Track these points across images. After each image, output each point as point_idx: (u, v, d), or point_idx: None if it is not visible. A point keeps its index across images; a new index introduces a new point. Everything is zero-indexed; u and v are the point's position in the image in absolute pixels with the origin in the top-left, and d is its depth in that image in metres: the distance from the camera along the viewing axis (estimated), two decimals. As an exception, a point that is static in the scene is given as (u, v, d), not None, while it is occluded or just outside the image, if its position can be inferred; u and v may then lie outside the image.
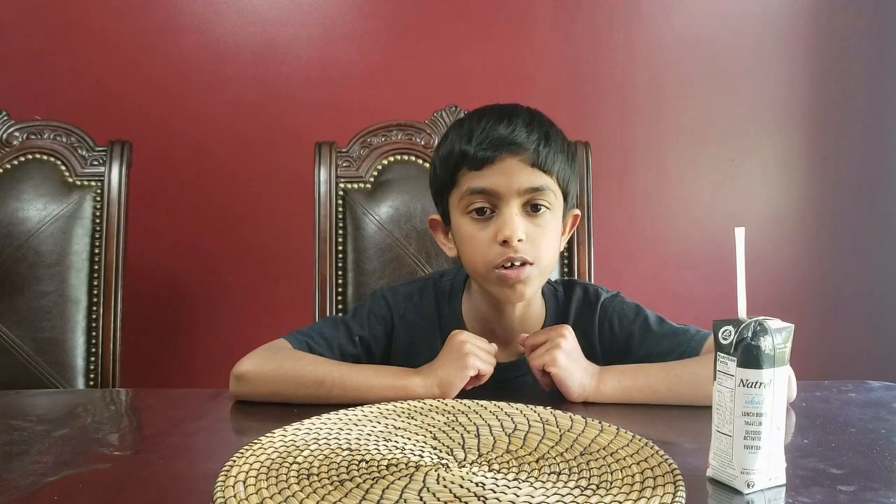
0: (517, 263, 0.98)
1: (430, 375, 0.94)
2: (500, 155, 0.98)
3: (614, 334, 1.09)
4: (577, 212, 1.11)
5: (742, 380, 0.67)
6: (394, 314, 1.12)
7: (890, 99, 2.04)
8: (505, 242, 0.97)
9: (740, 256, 0.70)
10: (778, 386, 0.67)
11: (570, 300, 1.12)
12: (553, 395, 0.98)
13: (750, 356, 0.67)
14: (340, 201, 1.43)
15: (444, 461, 0.72)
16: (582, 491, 0.65)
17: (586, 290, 1.13)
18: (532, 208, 0.99)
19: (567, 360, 0.96)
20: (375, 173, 1.44)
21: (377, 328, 1.11)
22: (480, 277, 1.03)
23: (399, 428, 0.82)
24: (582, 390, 0.96)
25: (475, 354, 0.94)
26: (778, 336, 0.67)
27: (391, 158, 1.45)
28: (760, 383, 0.66)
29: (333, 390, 0.95)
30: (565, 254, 1.43)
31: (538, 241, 0.99)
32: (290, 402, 0.95)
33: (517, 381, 1.06)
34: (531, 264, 0.99)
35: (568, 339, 0.98)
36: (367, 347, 1.10)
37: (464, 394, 0.94)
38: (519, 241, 0.97)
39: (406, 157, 1.44)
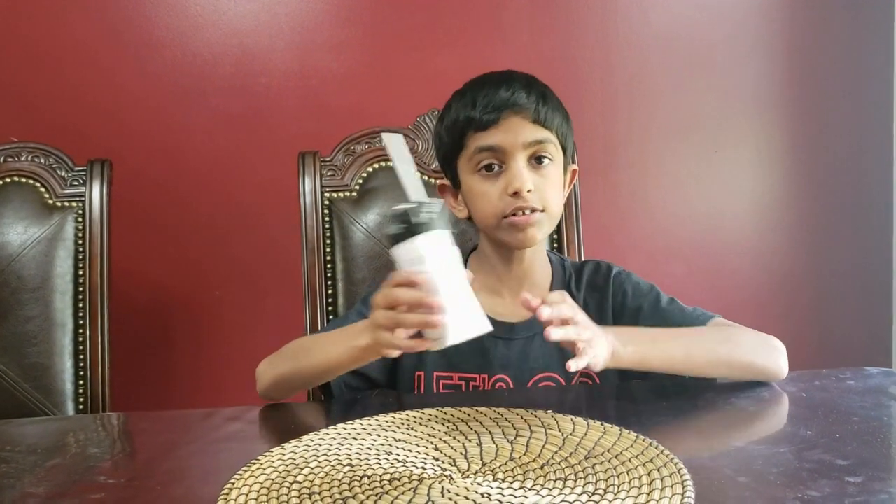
0: (528, 212, 1.04)
1: None
2: (504, 115, 1.05)
3: (626, 305, 1.12)
4: (575, 166, 1.17)
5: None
6: None
7: (868, 86, 2.06)
8: (516, 194, 1.03)
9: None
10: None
11: (581, 272, 1.16)
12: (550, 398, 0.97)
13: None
14: (327, 211, 1.41)
15: (447, 472, 0.71)
16: (590, 496, 0.64)
17: (599, 265, 1.18)
18: (536, 161, 1.06)
19: (601, 348, 0.88)
20: (360, 181, 1.43)
21: None
22: (492, 228, 1.08)
23: (399, 440, 0.80)
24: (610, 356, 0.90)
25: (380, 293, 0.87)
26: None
27: (376, 165, 1.43)
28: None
29: (305, 346, 1.04)
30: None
31: (545, 190, 1.05)
32: (298, 384, 1.05)
33: (532, 340, 1.09)
34: (541, 211, 1.05)
35: (580, 312, 0.89)
36: None
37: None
38: (528, 191, 1.03)
39: (391, 164, 1.42)
